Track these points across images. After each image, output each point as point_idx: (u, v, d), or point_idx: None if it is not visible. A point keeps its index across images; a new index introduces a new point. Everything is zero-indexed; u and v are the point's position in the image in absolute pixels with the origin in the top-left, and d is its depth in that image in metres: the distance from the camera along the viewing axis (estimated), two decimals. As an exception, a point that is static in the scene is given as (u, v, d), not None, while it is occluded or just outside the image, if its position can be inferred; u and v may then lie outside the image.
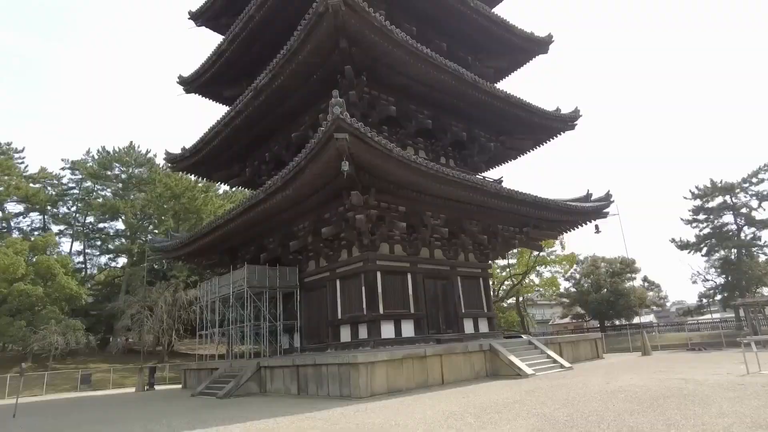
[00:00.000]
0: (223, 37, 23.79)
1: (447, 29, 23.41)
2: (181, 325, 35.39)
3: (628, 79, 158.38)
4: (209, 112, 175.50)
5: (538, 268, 45.35)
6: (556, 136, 25.22)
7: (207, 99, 28.02)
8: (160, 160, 44.64)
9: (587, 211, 23.62)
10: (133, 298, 37.40)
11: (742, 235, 40.04)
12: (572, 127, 24.60)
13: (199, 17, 27.66)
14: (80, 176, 48.97)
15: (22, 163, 48.82)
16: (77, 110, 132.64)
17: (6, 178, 44.21)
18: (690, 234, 43.12)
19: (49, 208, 47.68)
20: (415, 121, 21.22)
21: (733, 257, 39.82)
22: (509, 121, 23.30)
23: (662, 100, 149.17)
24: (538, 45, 25.42)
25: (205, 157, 24.50)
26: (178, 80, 26.48)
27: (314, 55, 17.42)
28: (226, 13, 26.07)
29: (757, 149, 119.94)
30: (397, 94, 20.28)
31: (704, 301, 43.41)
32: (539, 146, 26.01)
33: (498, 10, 26.02)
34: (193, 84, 26.35)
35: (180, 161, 25.26)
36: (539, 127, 24.17)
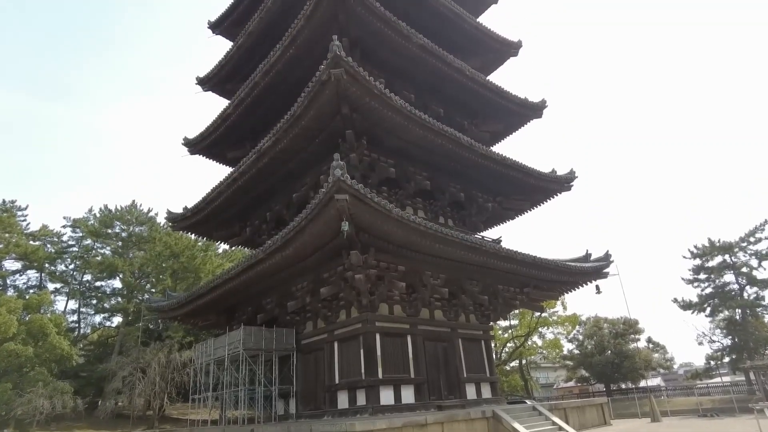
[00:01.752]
0: (229, 101, 24.79)
1: (444, 96, 24.43)
2: (173, 388, 34.12)
3: (627, 135, 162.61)
4: (209, 172, 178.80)
5: (540, 329, 44.51)
6: (553, 197, 25.62)
7: (210, 160, 28.70)
8: (161, 219, 45.04)
9: (587, 271, 23.54)
10: (125, 359, 36.32)
11: (745, 294, 39.64)
12: (568, 188, 25.03)
13: (206, 83, 28.97)
14: (81, 234, 49.07)
15: (24, 220, 49.01)
16: (84, 170, 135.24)
17: (7, 235, 44.23)
18: (692, 293, 42.67)
19: (47, 265, 47.38)
20: (413, 182, 21.63)
21: (737, 317, 39.21)
22: (506, 182, 23.75)
23: (659, 156, 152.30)
24: (532, 110, 26.41)
25: (207, 217, 24.76)
26: (183, 142, 27.26)
27: (317, 119, 18.08)
28: (232, 79, 27.32)
29: (754, 206, 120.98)
30: (397, 156, 20.82)
31: (712, 363, 42.28)
32: (537, 206, 26.35)
33: (494, 76, 27.40)
34: (197, 146, 27.11)
35: (181, 220, 25.50)
36: (535, 188, 24.61)
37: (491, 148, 23.71)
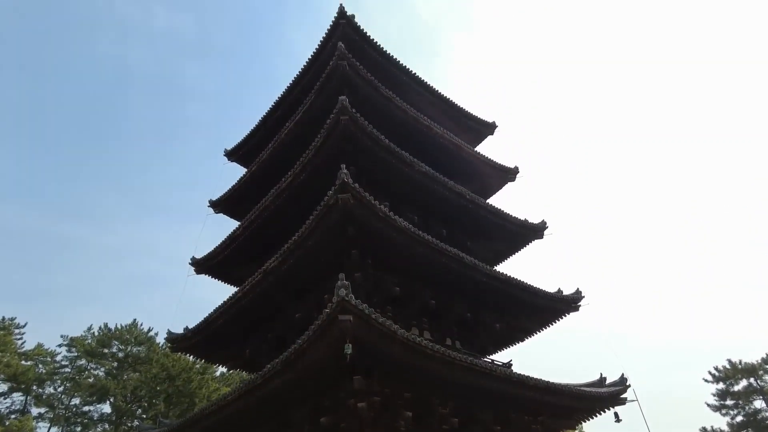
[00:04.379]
0: (239, 222, 25.73)
1: (447, 217, 25.29)
2: None
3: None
4: (213, 291, 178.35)
5: (560, 463, 40.55)
6: (561, 318, 25.15)
7: (216, 279, 28.91)
8: (161, 338, 44.06)
9: (603, 397, 22.18)
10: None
11: (780, 423, 36.79)
12: (576, 309, 24.65)
13: (218, 205, 30.36)
14: (76, 354, 47.71)
15: (21, 338, 48.07)
16: (92, 289, 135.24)
17: (-1, 354, 43.01)
18: (721, 421, 39.42)
19: (34, 387, 45.32)
20: (419, 301, 21.48)
21: (777, 451, 35.92)
22: (512, 302, 23.52)
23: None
24: (533, 231, 27.08)
25: (207, 338, 24.22)
26: (190, 262, 27.66)
27: (323, 240, 18.63)
28: (243, 202, 28.62)
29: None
30: (401, 275, 20.94)
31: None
32: (546, 327, 25.74)
33: (495, 199, 28.63)
34: (204, 265, 27.50)
35: (182, 341, 24.87)
36: (542, 308, 24.30)
37: (496, 267, 23.91)
